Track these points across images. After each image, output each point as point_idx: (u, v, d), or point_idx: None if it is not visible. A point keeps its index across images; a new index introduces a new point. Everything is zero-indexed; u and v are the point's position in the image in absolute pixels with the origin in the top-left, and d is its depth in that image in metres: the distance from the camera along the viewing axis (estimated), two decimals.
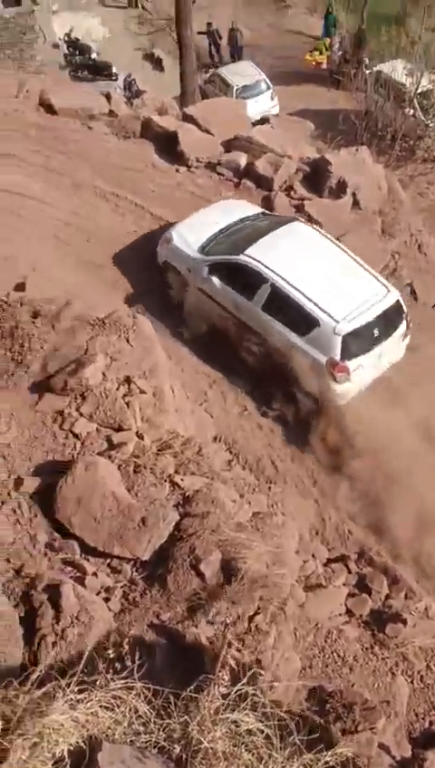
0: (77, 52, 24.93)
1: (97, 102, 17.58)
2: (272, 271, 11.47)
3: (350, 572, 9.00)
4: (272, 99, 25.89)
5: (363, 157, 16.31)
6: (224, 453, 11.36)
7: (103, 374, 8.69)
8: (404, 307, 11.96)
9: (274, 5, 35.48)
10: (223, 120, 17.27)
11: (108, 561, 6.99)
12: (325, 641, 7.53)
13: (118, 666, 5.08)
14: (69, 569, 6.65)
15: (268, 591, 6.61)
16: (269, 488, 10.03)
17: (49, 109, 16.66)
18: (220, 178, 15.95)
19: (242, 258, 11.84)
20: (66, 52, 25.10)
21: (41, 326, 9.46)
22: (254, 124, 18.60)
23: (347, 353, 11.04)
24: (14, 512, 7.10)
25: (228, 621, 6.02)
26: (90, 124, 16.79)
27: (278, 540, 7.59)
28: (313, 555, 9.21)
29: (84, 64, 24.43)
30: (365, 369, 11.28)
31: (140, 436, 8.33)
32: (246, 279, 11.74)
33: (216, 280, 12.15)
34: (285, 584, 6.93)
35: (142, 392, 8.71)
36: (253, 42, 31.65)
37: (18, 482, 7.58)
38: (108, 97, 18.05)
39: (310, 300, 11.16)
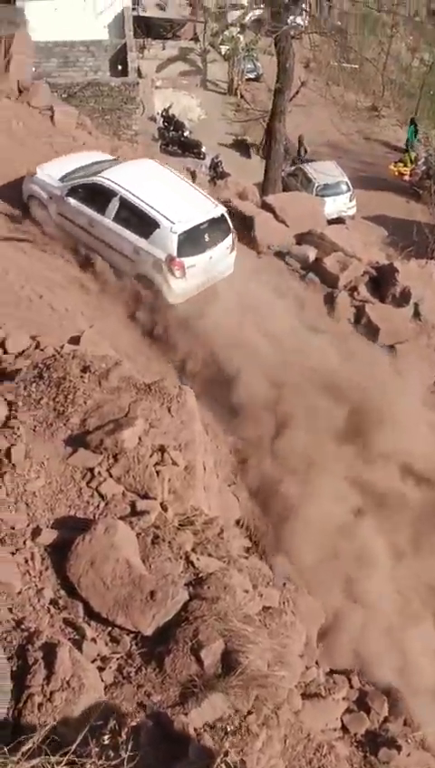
0: (171, 128, 25.96)
1: None
2: (121, 186, 13.58)
3: (351, 687, 8.70)
4: (350, 200, 26.53)
5: (432, 271, 16.51)
6: (244, 539, 11.22)
7: (140, 439, 8.70)
8: (230, 223, 14.36)
9: (367, 113, 36.73)
10: (300, 213, 17.71)
11: (109, 629, 6.85)
12: (314, 754, 7.20)
13: (104, 740, 4.93)
14: (69, 630, 6.53)
15: (265, 692, 6.38)
16: (284, 584, 9.82)
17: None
18: (287, 268, 16.25)
19: (96, 178, 14.07)
20: (161, 126, 26.17)
21: (88, 381, 9.58)
22: (329, 222, 19.00)
23: (182, 251, 13.18)
24: (27, 561, 7.04)
25: (229, 728, 5.79)
26: None
27: (284, 640, 7.38)
28: (316, 662, 8.92)
29: (176, 140, 25.40)
30: (198, 270, 13.42)
31: (164, 508, 8.26)
32: (98, 196, 13.82)
33: (72, 201, 14.17)
34: (284, 688, 6.70)
35: (174, 464, 8.68)
36: (341, 144, 32.67)
37: (36, 532, 7.54)
38: (193, 174, 18.67)
39: (152, 207, 13.24)
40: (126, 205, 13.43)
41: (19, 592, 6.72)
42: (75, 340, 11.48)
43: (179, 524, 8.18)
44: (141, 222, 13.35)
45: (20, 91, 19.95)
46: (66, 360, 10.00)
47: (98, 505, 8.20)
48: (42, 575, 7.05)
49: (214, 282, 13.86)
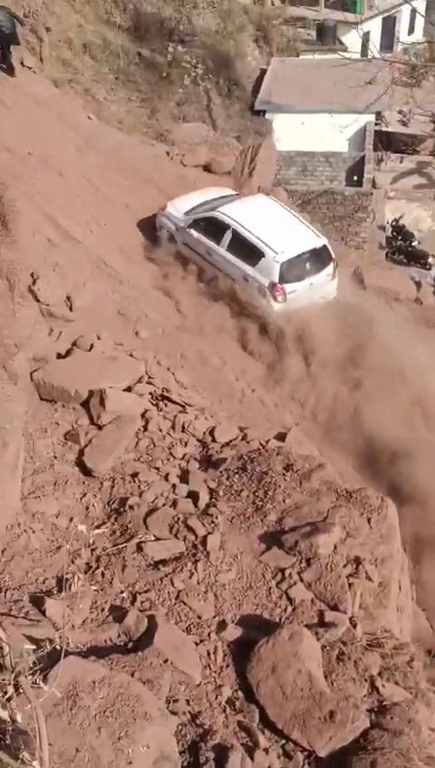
0: (399, 237, 26.12)
1: (406, 287, 18.17)
2: (233, 220, 15.19)
3: None
4: None
5: None
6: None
7: (335, 547, 8.49)
8: (332, 252, 15.53)
9: None
10: None
11: (283, 741, 6.57)
12: None
13: None
14: (242, 734, 6.35)
15: None
16: None
17: (360, 283, 17.49)
18: None
19: (213, 213, 15.71)
20: (389, 234, 26.42)
21: (289, 480, 9.59)
22: None
23: (284, 278, 14.54)
24: (209, 654, 7.01)
25: None
26: (393, 305, 17.32)
27: None
28: None
29: (403, 249, 25.48)
30: (298, 295, 14.60)
31: (353, 624, 7.91)
32: (215, 228, 15.43)
33: (194, 232, 15.77)
34: None
35: (369, 579, 8.35)
36: None
37: (222, 625, 7.52)
38: (418, 284, 18.58)
39: (258, 238, 14.76)
40: (237, 236, 15.03)
41: (198, 685, 6.68)
42: (281, 437, 11.59)
43: (367, 644, 7.78)
44: (250, 251, 14.84)
45: None
46: (270, 456, 10.12)
47: (285, 609, 8.04)
48: (222, 671, 6.97)
49: (316, 305, 15.01)
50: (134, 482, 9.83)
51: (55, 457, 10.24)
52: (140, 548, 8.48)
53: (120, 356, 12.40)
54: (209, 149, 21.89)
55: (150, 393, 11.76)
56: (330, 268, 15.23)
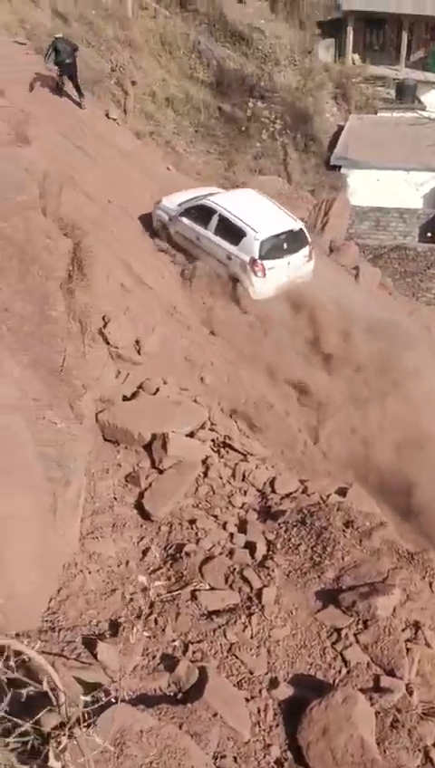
0: None
1: None
2: (220, 206, 16.57)
3: None
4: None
5: None
6: None
7: (394, 610, 8.26)
8: (308, 236, 16.85)
9: None
10: None
11: None
12: None
13: None
14: None
15: None
16: None
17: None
18: None
19: (202, 201, 17.18)
20: None
21: (349, 537, 9.41)
22: None
23: (263, 255, 15.70)
24: (259, 712, 6.86)
25: None
26: None
27: None
28: None
29: None
30: (277, 272, 15.78)
31: (410, 691, 7.65)
32: (204, 214, 16.71)
33: (185, 220, 16.96)
34: None
35: (428, 645, 8.08)
36: None
37: (274, 683, 7.36)
38: None
39: (241, 220, 16.08)
40: (223, 220, 16.37)
41: (247, 742, 6.52)
42: (342, 492, 11.41)
43: (423, 713, 7.50)
44: (233, 232, 16.15)
45: (331, 250, 21.33)
46: (330, 511, 9.96)
47: (340, 670, 7.83)
48: (272, 730, 6.80)
49: (294, 285, 16.22)
50: (192, 528, 9.80)
51: (115, 499, 10.30)
52: (194, 596, 8.40)
53: (185, 401, 12.48)
54: (284, 202, 22.14)
55: (212, 440, 11.77)
56: (306, 250, 16.69)
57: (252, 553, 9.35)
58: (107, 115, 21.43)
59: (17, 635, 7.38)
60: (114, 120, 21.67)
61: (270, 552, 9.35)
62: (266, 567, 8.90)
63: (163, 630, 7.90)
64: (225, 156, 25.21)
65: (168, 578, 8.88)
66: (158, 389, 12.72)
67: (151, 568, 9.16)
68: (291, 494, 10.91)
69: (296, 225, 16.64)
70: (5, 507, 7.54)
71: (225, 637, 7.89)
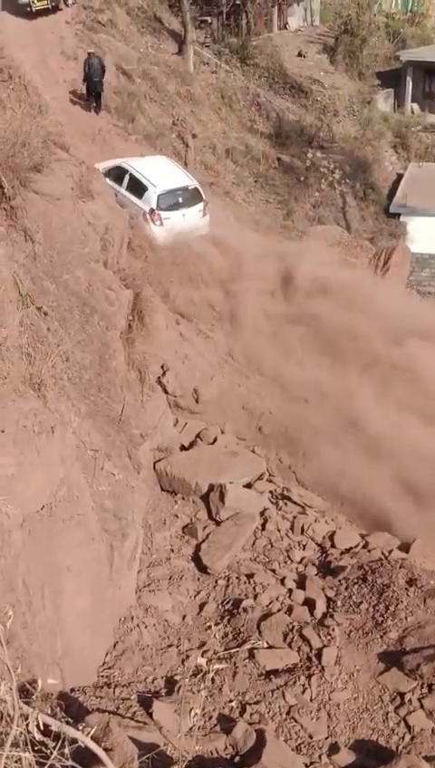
0: None
1: None
2: (131, 167, 18.60)
3: None
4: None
5: None
6: None
7: None
8: (203, 194, 18.82)
9: None
10: None
11: None
12: None
13: None
14: None
15: None
16: None
17: None
18: None
19: (117, 163, 19.03)
20: None
21: (412, 596, 9.10)
22: None
23: (160, 206, 17.74)
24: None
25: None
26: None
27: None
28: None
29: None
30: (172, 222, 17.62)
31: None
32: (119, 174, 18.50)
33: (108, 180, 17.75)
34: None
35: None
36: None
37: (334, 748, 7.09)
38: None
39: (145, 178, 18.21)
40: (132, 178, 18.34)
41: None
42: (405, 548, 11.09)
43: None
44: (139, 187, 18.15)
45: None
46: (393, 568, 9.66)
47: (403, 736, 7.50)
48: None
49: (190, 234, 17.75)
50: (249, 583, 9.63)
51: (172, 551, 10.21)
52: (252, 654, 8.21)
53: (242, 451, 12.40)
54: (343, 251, 22.15)
55: (271, 491, 11.63)
56: (201, 205, 18.65)
57: (311, 611, 9.13)
58: None
59: (72, 690, 7.29)
60: None
61: (330, 610, 9.11)
62: (327, 626, 8.66)
63: (220, 690, 7.72)
64: (283, 205, 25.42)
65: (225, 634, 8.72)
66: (216, 439, 12.68)
67: (208, 623, 8.99)
68: (351, 548, 10.66)
69: (192, 183, 19.04)
70: (63, 559, 7.52)
71: (283, 698, 7.68)
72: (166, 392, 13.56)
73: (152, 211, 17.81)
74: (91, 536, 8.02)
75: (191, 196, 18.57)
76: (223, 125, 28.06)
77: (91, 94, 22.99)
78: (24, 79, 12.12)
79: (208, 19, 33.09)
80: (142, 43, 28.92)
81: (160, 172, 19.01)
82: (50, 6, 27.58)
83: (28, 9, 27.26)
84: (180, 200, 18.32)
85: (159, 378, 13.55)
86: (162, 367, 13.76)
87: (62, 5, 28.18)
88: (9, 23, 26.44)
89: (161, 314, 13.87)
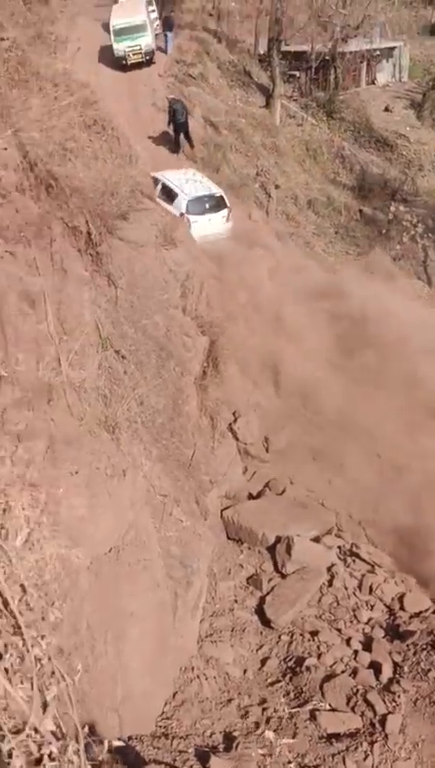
0: None
1: None
2: (164, 177, 20.12)
3: None
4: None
5: None
6: None
7: None
8: (227, 202, 20.43)
9: None
10: None
11: None
12: None
13: None
14: None
15: None
16: None
17: None
18: None
19: (153, 174, 18.94)
20: None
21: None
22: None
23: (189, 211, 19.45)
24: None
25: None
26: None
27: None
28: None
29: None
30: (199, 225, 19.04)
31: None
32: (155, 183, 18.69)
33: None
34: None
35: None
36: None
37: None
38: None
39: (176, 186, 19.95)
40: (165, 186, 19.91)
41: None
42: None
43: None
44: (171, 194, 19.78)
45: None
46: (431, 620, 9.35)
47: None
48: None
49: (215, 238, 19.13)
50: (313, 641, 9.41)
51: (236, 601, 10.09)
52: (313, 716, 7.98)
53: (311, 504, 12.24)
54: (423, 305, 21.96)
55: (339, 547, 11.40)
56: (225, 212, 20.32)
57: (377, 675, 8.84)
58: (249, 217, 22.18)
59: (130, 738, 7.22)
60: (255, 221, 22.36)
61: (397, 676, 8.80)
62: (392, 692, 8.36)
63: (280, 751, 7.51)
64: (363, 257, 25.41)
65: (286, 692, 8.51)
66: (284, 489, 12.57)
67: (270, 680, 8.82)
68: (421, 613, 10.30)
69: (218, 191, 20.83)
70: (128, 604, 7.52)
71: (344, 764, 7.41)
72: (236, 439, 13.57)
73: (182, 215, 19.47)
74: (156, 582, 8.01)
75: (217, 203, 20.51)
76: (306, 176, 28.38)
77: (179, 135, 24.17)
78: (117, 130, 12.50)
79: (297, 73, 33.81)
80: (231, 96, 29.67)
81: (189, 182, 21.00)
82: (144, 60, 28.70)
83: (123, 62, 28.44)
84: (207, 206, 20.30)
85: (230, 424, 13.57)
86: (234, 414, 13.79)
87: (155, 59, 29.26)
88: (105, 74, 27.57)
89: (236, 362, 13.95)
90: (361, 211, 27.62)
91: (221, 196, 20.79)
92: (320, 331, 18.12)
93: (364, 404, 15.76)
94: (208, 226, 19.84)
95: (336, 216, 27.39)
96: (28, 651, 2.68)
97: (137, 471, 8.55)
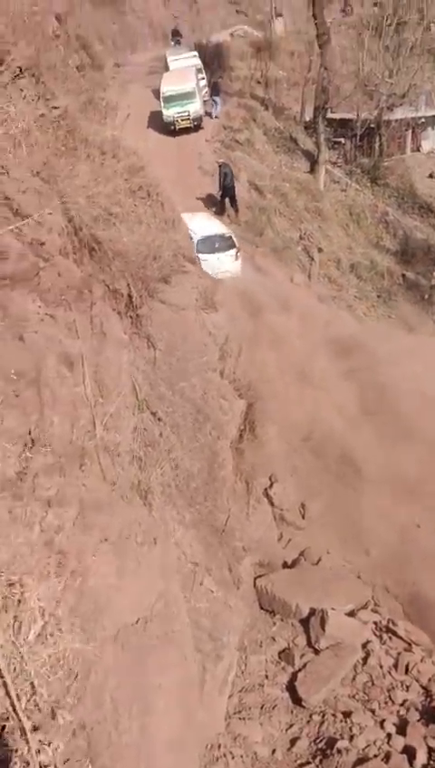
0: None
1: None
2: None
3: None
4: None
5: None
6: None
7: None
8: (236, 242, 21.34)
9: None
10: None
11: None
12: None
13: None
14: None
15: None
16: None
17: None
18: None
19: None
20: None
21: None
22: None
23: (199, 249, 18.95)
24: None
25: None
26: None
27: None
28: None
29: None
30: (209, 263, 18.86)
31: None
32: None
33: None
34: None
35: None
36: None
37: None
38: None
39: (191, 230, 18.36)
40: None
41: None
42: None
43: None
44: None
45: None
46: None
47: None
48: None
49: (224, 275, 18.93)
50: (346, 722, 9.03)
51: (267, 677, 9.78)
52: None
53: (348, 576, 11.91)
54: None
55: (375, 623, 11.02)
56: (233, 252, 21.18)
57: (410, 760, 8.45)
58: (291, 280, 22.31)
59: None
60: (298, 285, 22.48)
61: (431, 762, 8.39)
62: None
63: None
64: (405, 322, 25.31)
65: None
66: (320, 559, 12.26)
67: (299, 761, 8.46)
68: None
69: (227, 232, 21.88)
70: (154, 677, 7.31)
71: None
72: (272, 504, 13.35)
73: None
74: (183, 655, 7.79)
75: (226, 243, 21.53)
76: (349, 240, 28.56)
77: (225, 198, 24.81)
78: (162, 195, 12.73)
79: (342, 140, 34.32)
80: (276, 162, 30.20)
81: (201, 222, 21.91)
82: (192, 126, 29.46)
83: (172, 128, 29.23)
84: (216, 245, 21.24)
85: (266, 489, 13.38)
86: (270, 478, 13.60)
87: (203, 124, 30.01)
88: (153, 139, 28.34)
89: (273, 425, 13.82)
90: (404, 276, 27.61)
91: (230, 237, 21.88)
92: (353, 391, 17.89)
93: (403, 472, 15.46)
94: (217, 264, 20.44)
95: (379, 279, 27.42)
96: (33, 758, 2.56)
97: (168, 538, 8.42)
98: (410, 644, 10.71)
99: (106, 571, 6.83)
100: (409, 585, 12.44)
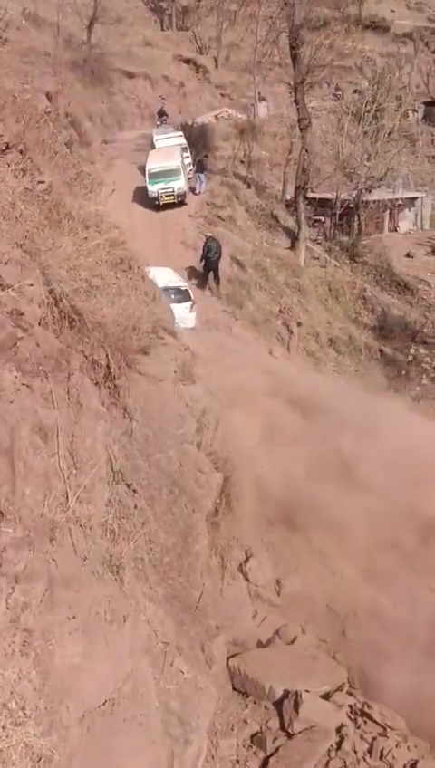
0: None
1: None
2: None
3: None
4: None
5: None
6: None
7: None
8: (191, 294, 23.52)
9: None
10: None
11: None
12: None
13: None
14: None
15: None
16: None
17: None
18: None
19: None
20: None
21: None
22: None
23: None
24: None
25: None
26: None
27: None
28: None
29: None
30: None
31: None
32: None
33: None
34: None
35: None
36: None
37: None
38: None
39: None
40: None
41: None
42: None
43: None
44: None
45: None
46: None
47: None
48: None
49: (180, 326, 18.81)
50: None
51: (238, 761, 9.45)
52: None
53: (323, 657, 11.66)
54: None
55: (350, 706, 10.72)
56: (188, 304, 22.79)
57: None
58: (270, 352, 22.53)
59: None
60: (276, 357, 22.70)
61: None
62: None
63: None
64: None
65: None
66: (295, 638, 12.02)
67: None
68: None
69: (183, 285, 23.45)
70: (120, 763, 7.02)
71: None
72: (247, 580, 13.14)
73: None
74: (152, 739, 7.50)
75: (182, 296, 22.97)
76: (328, 315, 29.03)
77: (209, 272, 25.43)
78: (143, 268, 12.89)
79: (322, 219, 35.24)
80: (257, 237, 30.87)
81: (162, 275, 22.21)
82: (176, 201, 30.17)
83: (157, 202, 29.91)
84: (172, 297, 21.89)
85: (241, 564, 13.19)
86: (246, 553, 13.43)
87: (187, 200, 30.72)
88: (138, 213, 28.97)
89: (250, 499, 13.71)
90: (381, 351, 28.00)
91: (186, 290, 23.65)
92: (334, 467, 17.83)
93: (382, 552, 15.31)
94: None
95: (357, 354, 27.79)
96: None
97: (139, 616, 8.22)
98: (385, 728, 10.41)
99: (73, 651, 6.62)
100: (385, 668, 12.18)
